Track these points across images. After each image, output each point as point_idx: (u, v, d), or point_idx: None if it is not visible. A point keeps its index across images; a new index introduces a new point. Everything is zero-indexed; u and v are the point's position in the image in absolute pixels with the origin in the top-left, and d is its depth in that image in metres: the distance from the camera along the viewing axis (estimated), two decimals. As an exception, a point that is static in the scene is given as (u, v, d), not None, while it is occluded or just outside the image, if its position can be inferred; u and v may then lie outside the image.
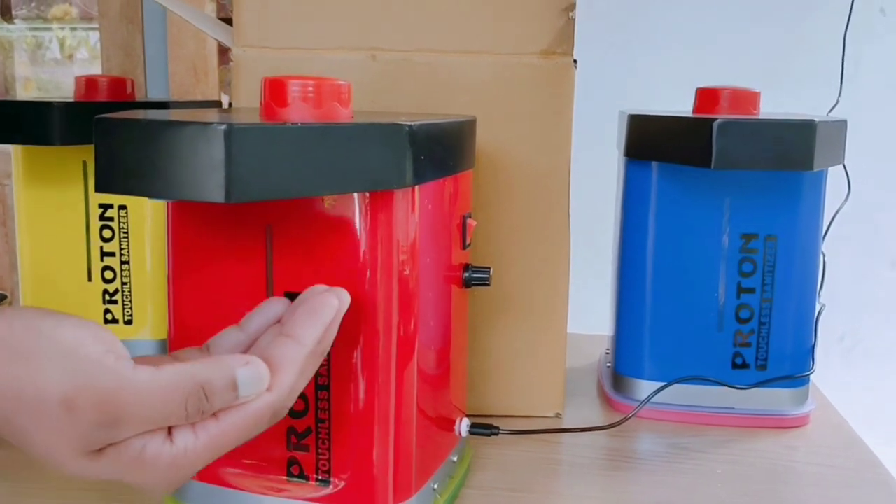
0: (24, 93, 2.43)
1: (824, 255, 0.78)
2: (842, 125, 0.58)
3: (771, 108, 0.94)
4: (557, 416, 0.62)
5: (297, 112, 0.41)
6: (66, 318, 0.32)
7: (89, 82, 0.69)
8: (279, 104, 0.41)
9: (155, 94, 1.26)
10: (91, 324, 0.32)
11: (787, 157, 0.52)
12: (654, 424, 0.61)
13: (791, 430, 0.61)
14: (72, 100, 0.66)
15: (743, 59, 1.20)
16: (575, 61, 0.57)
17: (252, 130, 0.32)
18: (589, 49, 1.20)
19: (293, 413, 0.41)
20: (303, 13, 0.56)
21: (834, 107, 0.99)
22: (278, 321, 0.38)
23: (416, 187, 0.41)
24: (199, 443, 0.32)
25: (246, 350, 0.38)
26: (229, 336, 0.38)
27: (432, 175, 0.42)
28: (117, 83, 0.70)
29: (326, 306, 0.36)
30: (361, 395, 0.41)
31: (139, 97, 1.18)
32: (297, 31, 0.57)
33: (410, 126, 0.38)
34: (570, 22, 0.57)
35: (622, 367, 0.64)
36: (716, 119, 0.51)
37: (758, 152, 0.52)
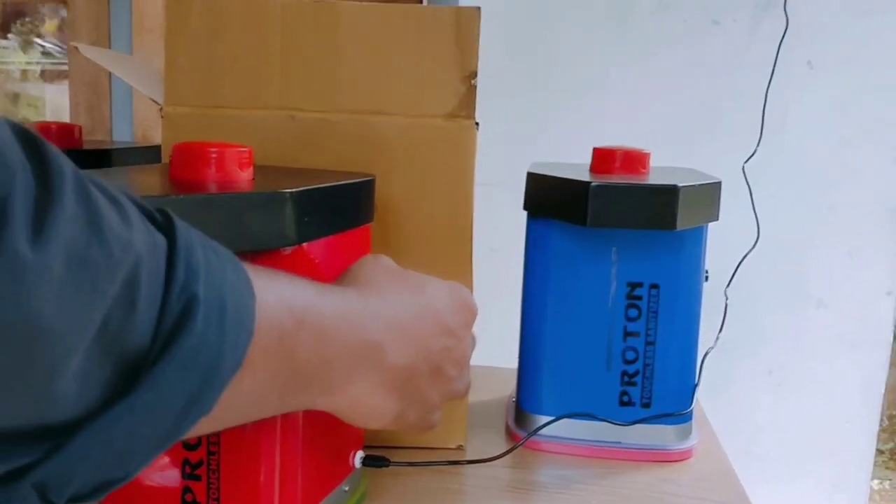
0: (13, 109, 2.48)
1: (727, 298, 0.84)
2: (716, 186, 0.64)
3: (699, 156, 1.00)
4: (460, 447, 0.67)
5: (199, 175, 0.46)
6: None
7: (39, 130, 0.74)
8: (184, 168, 0.47)
9: (120, 128, 1.31)
10: None
11: (652, 218, 0.57)
12: (550, 457, 0.67)
13: (674, 463, 0.66)
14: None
15: (676, 110, 1.27)
16: (477, 123, 0.63)
17: (136, 203, 0.37)
18: (527, 103, 1.27)
19: (187, 445, 0.46)
20: (229, 76, 0.62)
21: (751, 157, 1.05)
22: None
23: (304, 245, 0.46)
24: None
25: None
26: None
27: (320, 233, 0.47)
28: (66, 130, 0.76)
29: None
30: (247, 429, 0.46)
31: (103, 133, 1.24)
32: (224, 92, 0.62)
33: (291, 193, 0.44)
34: (472, 88, 0.63)
35: (524, 402, 0.69)
36: (591, 182, 0.57)
37: (627, 213, 0.57)
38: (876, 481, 3.00)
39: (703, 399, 0.78)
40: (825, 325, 1.30)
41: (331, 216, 0.49)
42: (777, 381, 1.31)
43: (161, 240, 0.30)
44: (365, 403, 0.43)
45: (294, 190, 0.44)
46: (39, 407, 0.26)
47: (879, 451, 3.29)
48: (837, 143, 1.27)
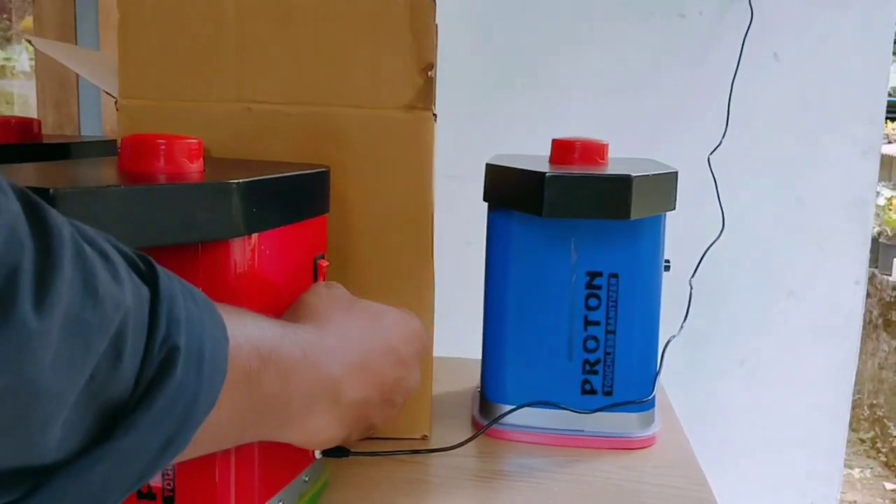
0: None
1: (692, 288, 0.85)
2: (672, 176, 0.64)
3: (664, 148, 1.01)
4: (424, 438, 0.67)
5: (148, 167, 0.46)
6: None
7: (-3, 124, 0.74)
8: (133, 159, 0.46)
9: (89, 123, 1.30)
10: None
11: (607, 207, 0.58)
12: (514, 445, 0.67)
13: (637, 450, 0.66)
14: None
15: (643, 103, 1.28)
16: (435, 115, 0.63)
17: (76, 194, 0.37)
18: (499, 97, 1.28)
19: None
20: (184, 67, 0.62)
21: (716, 148, 1.06)
22: None
23: (254, 235, 0.46)
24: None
25: None
26: None
27: (270, 224, 0.47)
28: (25, 124, 0.75)
29: None
30: (202, 420, 0.46)
31: (72, 128, 1.23)
32: (179, 84, 0.62)
33: (238, 183, 0.43)
34: (430, 80, 0.63)
35: (488, 392, 0.69)
36: (546, 173, 0.57)
37: (582, 203, 0.58)
38: (857, 469, 3.03)
39: (674, 389, 0.79)
40: (796, 314, 1.31)
41: (281, 207, 0.48)
42: (749, 371, 1.32)
43: (145, 291, 0.31)
44: (319, 434, 0.45)
45: (241, 181, 0.44)
46: (26, 454, 0.27)
47: (860, 440, 3.31)
48: (804, 135, 1.28)
